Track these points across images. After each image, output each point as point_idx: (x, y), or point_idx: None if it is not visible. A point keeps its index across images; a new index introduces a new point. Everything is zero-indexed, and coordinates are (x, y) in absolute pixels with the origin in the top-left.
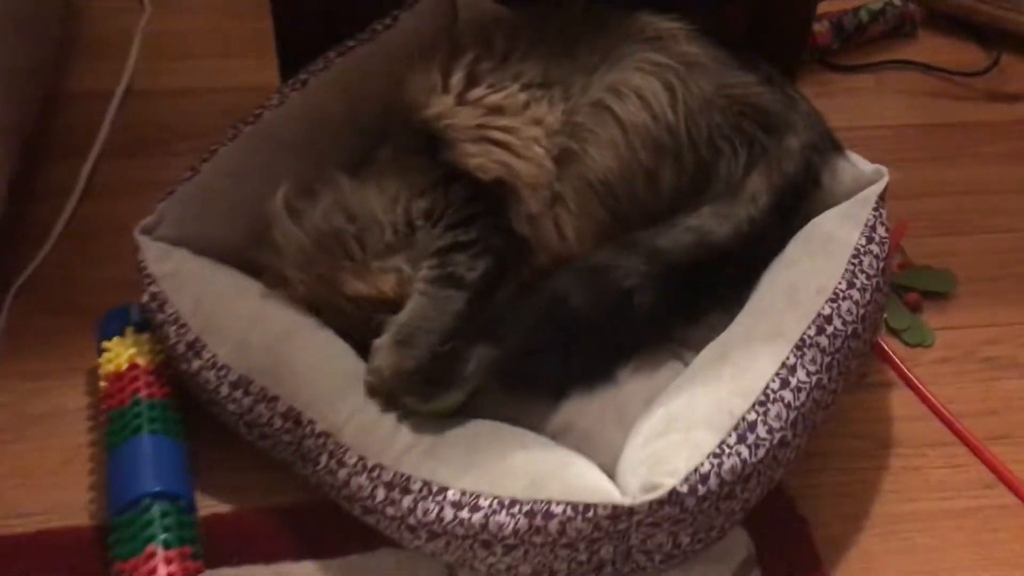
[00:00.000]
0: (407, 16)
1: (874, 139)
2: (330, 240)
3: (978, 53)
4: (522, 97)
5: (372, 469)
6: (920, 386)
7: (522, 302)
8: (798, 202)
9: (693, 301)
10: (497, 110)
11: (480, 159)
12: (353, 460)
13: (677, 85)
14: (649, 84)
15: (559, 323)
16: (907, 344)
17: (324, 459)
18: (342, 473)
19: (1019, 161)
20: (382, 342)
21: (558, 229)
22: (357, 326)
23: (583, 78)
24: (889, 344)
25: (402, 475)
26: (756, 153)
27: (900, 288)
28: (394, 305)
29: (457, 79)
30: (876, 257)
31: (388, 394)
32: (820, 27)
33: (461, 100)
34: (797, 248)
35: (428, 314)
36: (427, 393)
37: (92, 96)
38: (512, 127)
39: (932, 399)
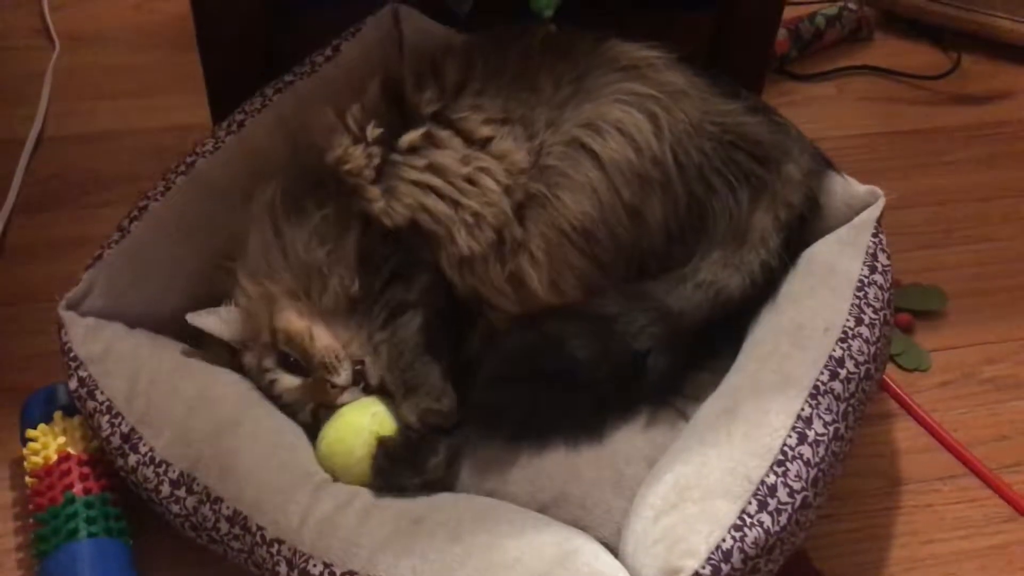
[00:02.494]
0: (349, 46)
1: (842, 150)
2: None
3: (937, 55)
4: (485, 130)
5: None
6: (924, 415)
7: (503, 337)
8: (803, 234)
9: (703, 355)
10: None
11: (381, 203)
12: (318, 569)
13: (660, 113)
14: (630, 116)
15: (548, 363)
16: (903, 369)
17: (283, 569)
18: None
19: (992, 166)
20: (398, 404)
21: (516, 279)
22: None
23: (549, 113)
24: (886, 371)
25: None
26: (756, 188)
27: None
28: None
29: (354, 120)
30: (881, 288)
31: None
32: (778, 35)
33: (358, 139)
34: (797, 282)
35: (395, 355)
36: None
37: (0, 145)
38: (441, 164)
39: (938, 428)
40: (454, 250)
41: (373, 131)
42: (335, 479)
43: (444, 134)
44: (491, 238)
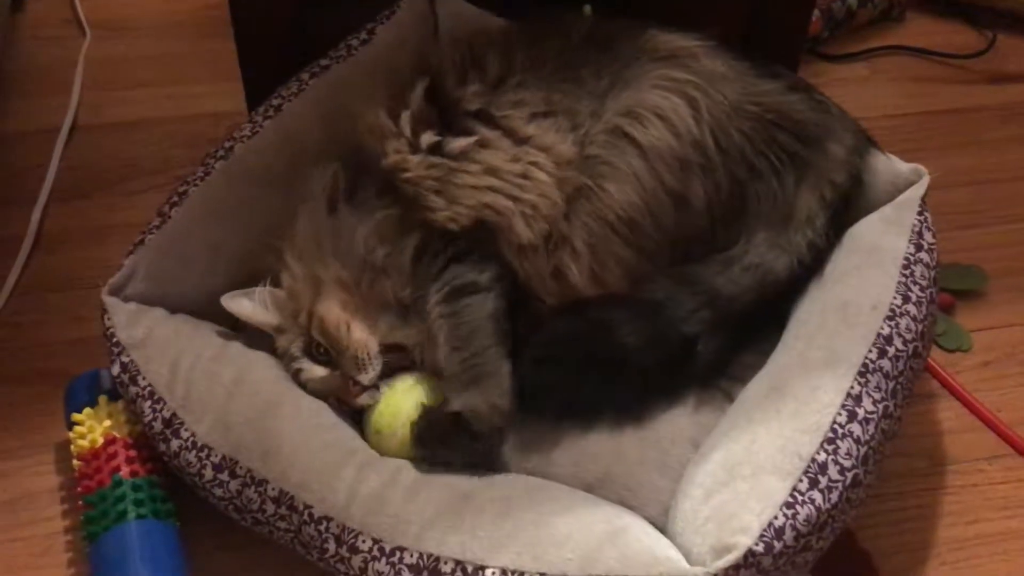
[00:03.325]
0: (385, 29)
1: (875, 131)
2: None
3: (971, 34)
4: (530, 128)
5: (392, 552)
6: (967, 395)
7: (550, 320)
8: (848, 213)
9: (748, 337)
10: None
11: (446, 212)
12: (367, 544)
13: (699, 97)
14: (668, 101)
15: (596, 350)
16: (945, 349)
17: (332, 546)
18: (356, 560)
19: None
20: (458, 390)
21: (558, 274)
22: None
23: (592, 103)
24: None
25: (429, 555)
26: (800, 167)
27: None
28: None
29: (407, 125)
30: (927, 266)
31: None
32: None
33: (414, 147)
34: (842, 260)
35: (460, 334)
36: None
37: (35, 135)
38: (495, 166)
39: (982, 408)
40: (513, 238)
41: (429, 139)
42: (380, 446)
43: (492, 135)
44: (544, 229)
